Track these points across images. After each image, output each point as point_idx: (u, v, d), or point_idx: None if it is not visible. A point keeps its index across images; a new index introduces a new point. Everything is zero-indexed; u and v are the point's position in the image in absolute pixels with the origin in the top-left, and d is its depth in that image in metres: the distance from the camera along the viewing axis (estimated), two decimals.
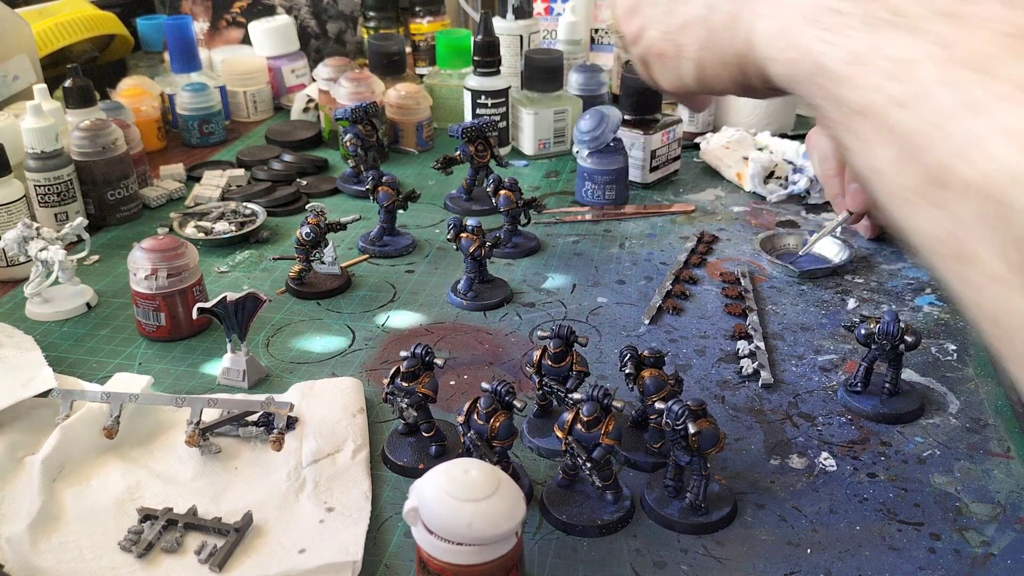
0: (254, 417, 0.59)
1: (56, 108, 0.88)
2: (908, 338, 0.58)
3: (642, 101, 0.96)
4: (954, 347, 0.67)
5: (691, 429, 0.48)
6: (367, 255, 0.84)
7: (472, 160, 0.91)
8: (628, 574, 0.48)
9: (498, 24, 1.13)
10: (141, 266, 0.69)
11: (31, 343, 0.67)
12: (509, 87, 1.06)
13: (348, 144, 0.95)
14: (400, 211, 0.86)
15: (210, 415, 0.59)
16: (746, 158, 0.99)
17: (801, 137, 1.07)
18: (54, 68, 1.12)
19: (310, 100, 1.19)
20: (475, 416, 0.51)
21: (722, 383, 0.64)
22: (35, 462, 0.54)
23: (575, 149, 0.93)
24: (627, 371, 0.55)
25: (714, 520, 0.51)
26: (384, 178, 0.83)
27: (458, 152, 0.91)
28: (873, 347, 0.60)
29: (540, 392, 0.59)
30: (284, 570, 0.47)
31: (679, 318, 0.73)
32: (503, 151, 1.08)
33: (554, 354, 0.57)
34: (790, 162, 0.98)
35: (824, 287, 0.77)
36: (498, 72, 1.04)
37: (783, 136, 1.09)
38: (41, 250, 0.74)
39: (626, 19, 0.50)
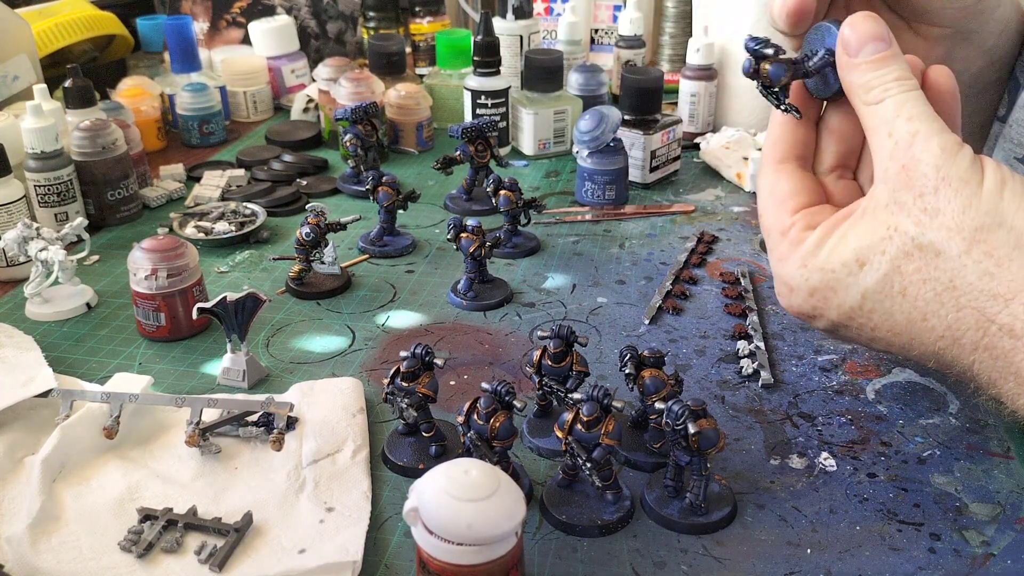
0: (254, 417, 0.59)
1: (56, 108, 0.88)
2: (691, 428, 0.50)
3: (642, 101, 0.96)
4: None
5: (691, 429, 0.48)
6: (367, 255, 0.84)
7: (472, 160, 0.91)
8: (628, 574, 0.48)
9: (498, 24, 1.13)
10: (141, 266, 0.69)
11: (31, 343, 0.67)
12: (509, 87, 1.06)
13: (348, 144, 0.95)
14: (400, 211, 0.86)
15: (210, 415, 0.59)
16: (746, 158, 0.99)
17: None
18: (54, 68, 1.12)
19: (310, 100, 1.19)
20: (475, 416, 0.51)
21: (722, 383, 0.64)
22: (35, 462, 0.54)
23: (575, 149, 0.93)
24: (627, 371, 0.55)
25: (714, 520, 0.51)
26: (384, 178, 0.83)
27: (458, 152, 0.91)
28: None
29: (540, 392, 0.59)
30: (284, 570, 0.47)
31: (679, 318, 0.73)
32: (503, 151, 1.08)
33: (554, 354, 0.57)
34: None
35: None
36: (498, 72, 1.04)
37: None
38: (41, 250, 0.74)
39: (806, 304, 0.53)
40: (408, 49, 1.32)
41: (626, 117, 0.96)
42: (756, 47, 0.53)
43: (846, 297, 0.51)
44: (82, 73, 0.94)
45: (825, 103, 0.55)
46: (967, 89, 0.62)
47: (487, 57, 1.03)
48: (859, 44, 0.49)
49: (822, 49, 0.51)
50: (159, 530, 0.50)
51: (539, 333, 0.58)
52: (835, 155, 0.56)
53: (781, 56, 0.52)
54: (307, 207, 0.80)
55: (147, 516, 0.51)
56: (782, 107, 0.54)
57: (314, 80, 1.17)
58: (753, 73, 0.53)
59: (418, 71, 1.35)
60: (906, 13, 0.58)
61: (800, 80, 0.54)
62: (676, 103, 1.13)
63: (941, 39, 0.59)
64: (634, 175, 0.97)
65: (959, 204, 0.46)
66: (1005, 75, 0.65)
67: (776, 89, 0.53)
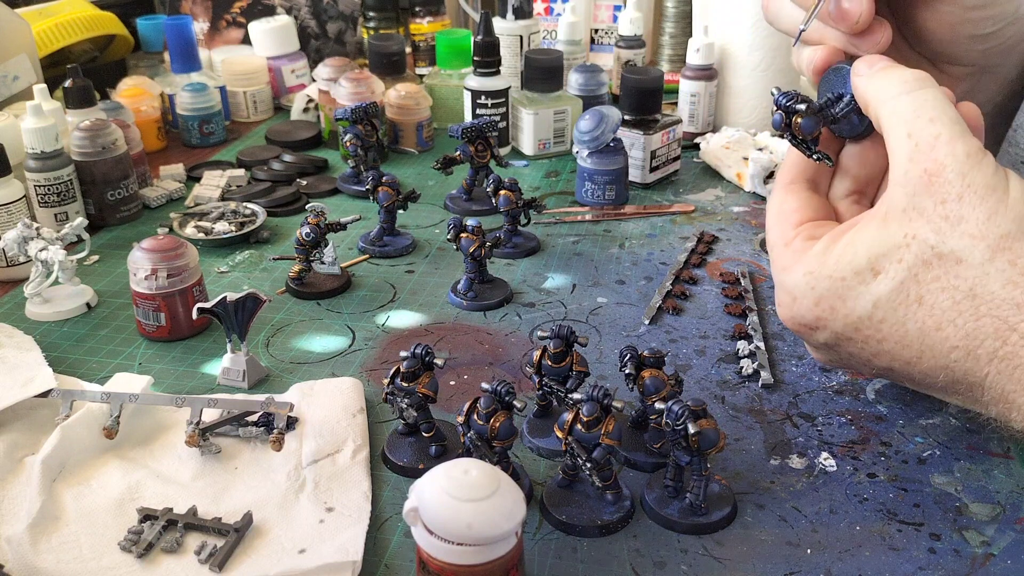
0: (254, 417, 0.59)
1: (56, 108, 0.88)
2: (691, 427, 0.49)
3: (642, 101, 0.96)
4: None
5: (691, 429, 0.48)
6: (367, 255, 0.84)
7: (472, 160, 0.91)
8: (628, 574, 0.48)
9: (498, 24, 1.13)
10: (141, 266, 0.69)
11: (31, 343, 0.67)
12: (509, 87, 1.06)
13: (348, 144, 0.95)
14: (400, 211, 0.86)
15: (210, 415, 0.59)
16: (746, 158, 0.99)
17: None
18: (54, 68, 1.12)
19: (310, 100, 1.19)
20: (475, 416, 0.51)
21: (722, 383, 0.64)
22: (35, 462, 0.54)
23: (575, 149, 0.93)
24: (627, 371, 0.55)
25: (714, 520, 0.51)
26: (384, 178, 0.83)
27: (458, 152, 0.91)
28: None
29: (540, 392, 0.59)
30: (284, 570, 0.47)
31: (679, 318, 0.73)
32: (503, 151, 1.08)
33: (554, 354, 0.57)
34: None
35: None
36: (498, 72, 1.04)
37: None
38: (41, 250, 0.74)
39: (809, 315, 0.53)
40: (408, 49, 1.32)
41: (626, 117, 0.96)
42: (788, 103, 0.54)
43: (855, 306, 0.50)
44: (82, 73, 0.94)
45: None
46: (991, 119, 0.62)
47: (487, 57, 1.03)
48: (871, 63, 0.50)
49: (846, 95, 0.53)
50: (159, 530, 0.50)
51: (539, 333, 0.58)
52: (854, 180, 0.56)
53: (812, 109, 0.54)
54: (307, 207, 0.80)
55: (147, 516, 0.51)
56: (814, 156, 0.55)
57: (314, 80, 1.17)
58: (785, 127, 0.55)
59: (418, 71, 1.35)
60: (931, 55, 0.58)
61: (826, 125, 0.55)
62: (676, 103, 1.13)
63: (965, 76, 0.59)
64: (634, 175, 0.97)
65: (984, 211, 0.45)
66: None
67: (808, 140, 0.55)
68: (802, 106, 0.54)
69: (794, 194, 0.56)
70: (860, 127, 0.54)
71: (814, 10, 0.54)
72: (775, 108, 0.55)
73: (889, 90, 0.49)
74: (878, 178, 0.55)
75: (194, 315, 0.63)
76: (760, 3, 0.60)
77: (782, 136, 0.56)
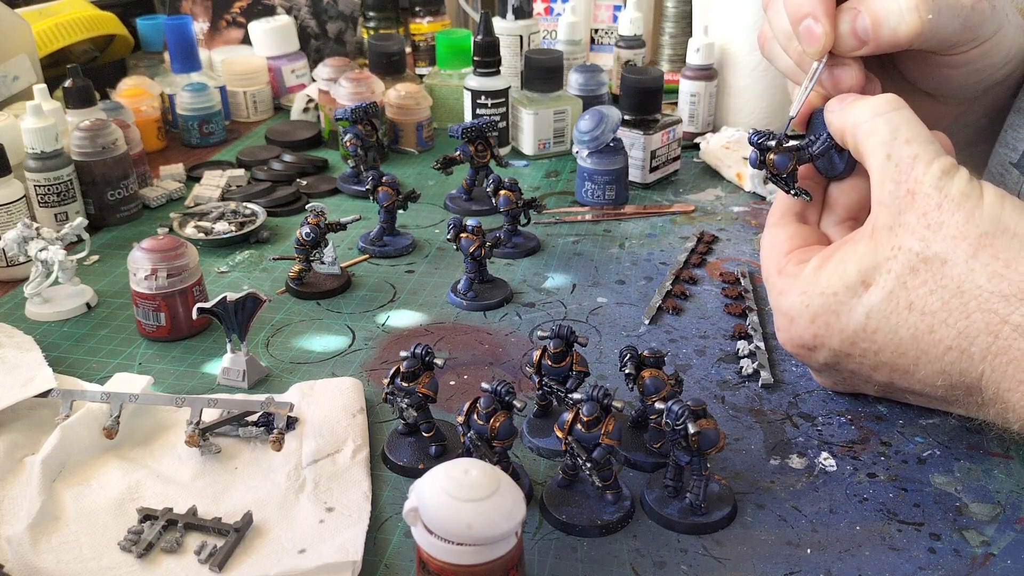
0: (254, 417, 0.59)
1: (56, 108, 0.88)
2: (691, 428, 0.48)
3: (642, 101, 0.96)
4: None
5: (691, 429, 0.48)
6: (367, 255, 0.84)
7: (472, 160, 0.91)
8: (628, 574, 0.48)
9: (498, 24, 1.13)
10: (141, 266, 0.69)
11: (31, 343, 0.67)
12: (509, 87, 1.06)
13: (348, 144, 0.95)
14: (400, 211, 0.86)
15: (210, 415, 0.59)
16: (746, 158, 0.99)
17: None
18: (54, 68, 1.12)
19: (310, 100, 1.19)
20: (475, 416, 0.51)
21: (722, 383, 0.64)
22: (35, 462, 0.54)
23: (575, 149, 0.93)
24: (627, 371, 0.55)
25: (714, 520, 0.51)
26: (384, 178, 0.83)
27: (458, 152, 0.91)
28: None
29: (540, 392, 0.59)
30: (284, 570, 0.47)
31: (679, 318, 0.73)
32: (503, 151, 1.08)
33: (554, 354, 0.57)
34: None
35: None
36: (498, 72, 1.04)
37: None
38: (41, 250, 0.74)
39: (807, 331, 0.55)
40: (408, 49, 1.32)
41: (626, 117, 0.96)
42: (759, 140, 0.57)
43: (849, 320, 0.51)
44: (82, 73, 0.94)
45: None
46: (985, 131, 0.64)
47: (487, 57, 1.03)
48: (841, 100, 0.53)
49: (824, 133, 0.55)
50: (159, 530, 0.50)
51: (539, 333, 0.58)
52: (844, 209, 0.59)
53: (784, 146, 0.57)
54: (307, 207, 0.80)
55: (147, 516, 0.51)
56: (791, 192, 0.57)
57: (314, 80, 1.17)
58: (760, 164, 0.57)
59: (418, 71, 1.35)
60: (927, 89, 0.60)
61: (809, 163, 0.58)
62: (676, 103, 1.13)
63: (958, 104, 0.62)
64: (634, 175, 0.97)
65: (963, 215, 0.47)
66: None
67: (784, 176, 0.57)
68: (773, 143, 0.56)
69: (783, 227, 0.58)
70: (841, 164, 0.56)
71: (804, 95, 0.56)
72: (751, 147, 0.58)
73: (863, 115, 0.51)
74: (868, 204, 0.57)
75: (194, 315, 0.63)
76: (757, 39, 0.63)
77: (764, 173, 0.58)
